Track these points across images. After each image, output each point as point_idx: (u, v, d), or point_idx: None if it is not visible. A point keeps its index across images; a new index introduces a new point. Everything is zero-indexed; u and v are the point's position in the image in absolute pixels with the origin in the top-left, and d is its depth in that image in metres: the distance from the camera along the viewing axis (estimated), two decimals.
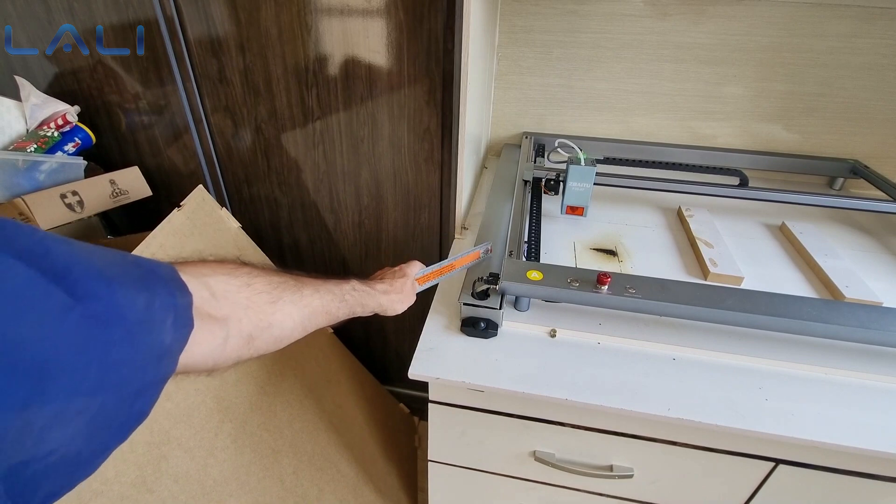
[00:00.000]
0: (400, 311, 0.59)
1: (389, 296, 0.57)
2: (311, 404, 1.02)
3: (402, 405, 1.41)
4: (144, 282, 0.29)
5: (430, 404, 0.64)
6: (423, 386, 0.58)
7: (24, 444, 0.22)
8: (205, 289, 0.35)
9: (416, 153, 1.08)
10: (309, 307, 0.44)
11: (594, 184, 0.78)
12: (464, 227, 0.82)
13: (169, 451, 0.72)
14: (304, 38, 0.99)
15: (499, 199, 0.84)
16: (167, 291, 0.31)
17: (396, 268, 0.63)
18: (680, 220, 0.87)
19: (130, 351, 0.27)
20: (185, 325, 0.32)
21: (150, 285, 0.29)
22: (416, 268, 0.64)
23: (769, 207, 0.92)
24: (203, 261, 0.38)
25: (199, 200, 0.94)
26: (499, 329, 0.61)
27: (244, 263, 0.41)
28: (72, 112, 1.08)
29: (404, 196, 1.15)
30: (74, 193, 0.97)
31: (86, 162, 1.03)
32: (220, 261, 0.39)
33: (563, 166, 0.80)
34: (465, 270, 0.67)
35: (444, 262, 0.66)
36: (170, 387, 0.31)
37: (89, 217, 1.02)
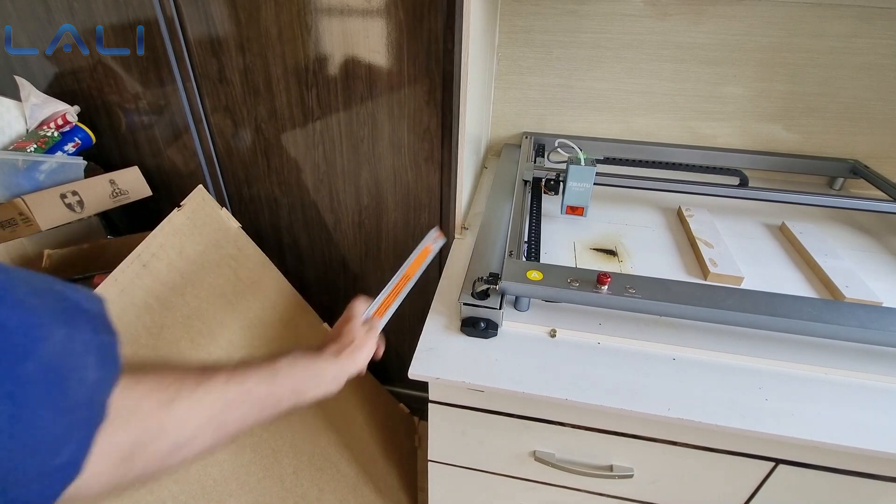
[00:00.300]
0: (364, 363, 0.52)
1: (340, 357, 0.49)
2: (311, 404, 1.02)
3: (401, 405, 1.41)
4: (66, 315, 0.27)
5: (430, 404, 0.64)
6: (423, 386, 0.58)
7: None
8: None
9: (416, 153, 1.08)
10: (220, 401, 0.36)
11: (594, 184, 0.78)
12: (464, 227, 0.82)
13: None
14: (303, 38, 0.99)
15: (499, 199, 0.84)
16: (90, 328, 0.28)
17: (339, 321, 0.55)
18: (680, 220, 0.87)
19: (46, 389, 0.24)
20: (111, 363, 0.28)
21: (71, 319, 0.27)
22: (361, 307, 0.57)
23: (769, 207, 0.92)
24: None
25: (199, 200, 0.94)
26: (499, 329, 0.61)
27: (133, 366, 0.32)
28: (72, 112, 1.08)
29: (404, 196, 1.15)
30: (74, 193, 0.97)
31: (86, 162, 1.04)
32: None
33: (563, 166, 0.80)
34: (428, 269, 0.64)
35: (394, 280, 0.61)
36: None
37: (89, 217, 1.02)
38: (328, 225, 1.23)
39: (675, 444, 0.59)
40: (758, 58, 0.94)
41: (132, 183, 1.08)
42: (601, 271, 0.58)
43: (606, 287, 0.58)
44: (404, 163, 1.10)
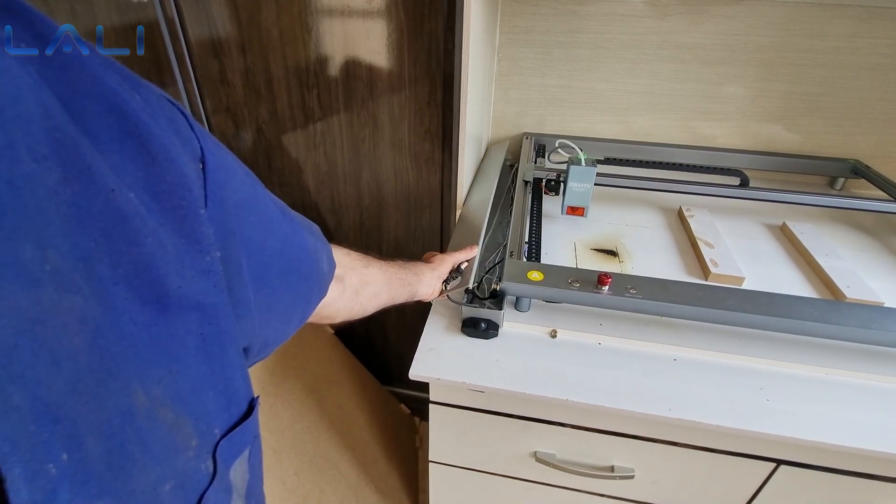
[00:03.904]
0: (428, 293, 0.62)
1: (434, 269, 0.62)
2: (313, 405, 1.02)
3: (402, 406, 1.41)
4: (310, 229, 0.41)
5: (430, 405, 0.64)
6: (423, 386, 0.58)
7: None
8: None
9: (416, 154, 1.08)
10: (387, 273, 0.54)
11: (595, 184, 0.78)
12: None
13: None
14: (304, 39, 0.99)
15: (499, 200, 0.84)
16: (321, 240, 0.42)
17: (436, 256, 0.66)
18: (680, 221, 0.87)
19: (304, 230, 0.39)
20: (332, 262, 0.43)
21: (313, 232, 0.41)
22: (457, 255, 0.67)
23: (770, 207, 0.92)
24: None
25: None
26: (499, 329, 0.61)
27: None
28: None
29: (405, 197, 1.15)
30: None
31: None
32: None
33: (564, 167, 0.80)
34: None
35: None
36: None
37: None
38: (329, 226, 1.23)
39: (676, 444, 0.59)
40: (758, 58, 0.94)
41: None
42: (602, 272, 0.58)
43: (607, 287, 0.58)
44: (405, 163, 1.10)
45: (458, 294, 0.63)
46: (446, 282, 0.63)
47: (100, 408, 0.19)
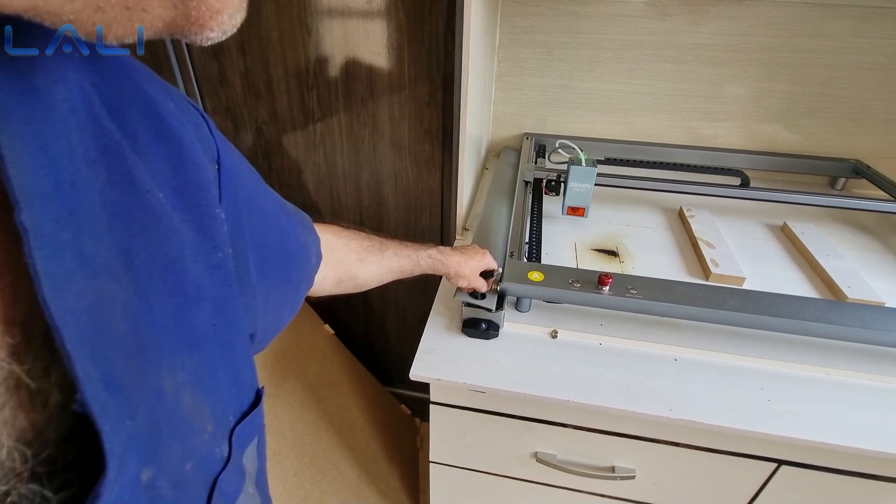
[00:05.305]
0: (470, 275, 0.60)
1: (461, 267, 0.60)
2: (313, 406, 1.02)
3: (403, 406, 1.41)
4: (303, 222, 0.43)
5: (431, 405, 0.64)
6: (424, 387, 0.58)
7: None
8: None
9: (416, 154, 1.08)
10: (387, 266, 0.55)
11: (595, 184, 0.78)
12: (464, 229, 0.82)
13: None
14: (304, 40, 0.99)
15: (500, 201, 0.84)
16: (312, 232, 0.45)
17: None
18: (681, 221, 0.87)
19: (301, 232, 0.41)
20: (319, 256, 0.45)
21: (305, 225, 0.43)
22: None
23: (771, 208, 0.92)
24: (318, 222, 0.50)
25: None
26: (500, 330, 0.61)
27: (345, 227, 0.53)
28: None
29: (405, 197, 1.15)
30: None
31: None
32: (330, 222, 0.51)
33: (564, 167, 0.80)
34: None
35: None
36: None
37: None
38: None
39: (677, 444, 0.59)
40: (759, 58, 0.94)
41: None
42: (602, 272, 0.58)
43: (608, 288, 0.58)
44: (405, 164, 1.10)
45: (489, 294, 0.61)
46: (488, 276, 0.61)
47: (142, 386, 0.21)
